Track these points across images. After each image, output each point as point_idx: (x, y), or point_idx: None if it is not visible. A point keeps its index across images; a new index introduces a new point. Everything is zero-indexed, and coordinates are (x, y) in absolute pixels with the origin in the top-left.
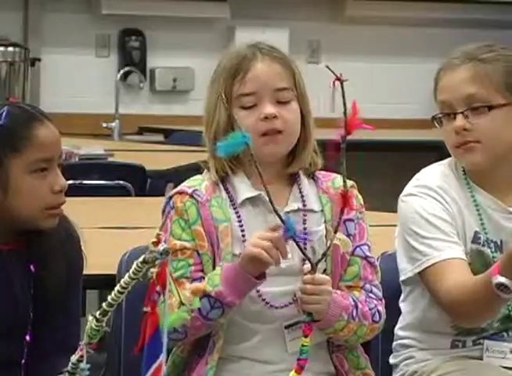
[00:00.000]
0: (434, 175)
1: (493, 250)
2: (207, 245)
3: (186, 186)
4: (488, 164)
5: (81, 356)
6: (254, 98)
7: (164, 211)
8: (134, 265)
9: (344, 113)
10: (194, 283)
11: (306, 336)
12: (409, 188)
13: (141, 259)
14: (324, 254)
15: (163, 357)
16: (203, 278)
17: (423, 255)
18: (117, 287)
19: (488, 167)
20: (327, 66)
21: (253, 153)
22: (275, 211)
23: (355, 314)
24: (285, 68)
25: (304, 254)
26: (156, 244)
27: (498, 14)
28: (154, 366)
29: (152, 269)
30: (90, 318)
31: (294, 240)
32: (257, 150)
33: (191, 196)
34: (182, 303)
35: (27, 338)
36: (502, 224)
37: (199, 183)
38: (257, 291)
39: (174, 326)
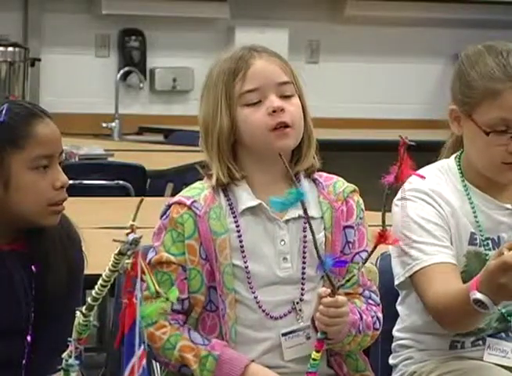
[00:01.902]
0: (427, 178)
1: (491, 247)
2: (197, 260)
3: (185, 196)
4: None
5: (71, 352)
6: (258, 94)
7: (161, 216)
8: (112, 258)
9: (399, 166)
10: (184, 346)
11: (318, 351)
12: (401, 192)
13: (117, 251)
14: (348, 280)
15: (140, 351)
16: (186, 300)
17: (413, 259)
18: (100, 281)
19: None
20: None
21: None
22: (317, 250)
23: (361, 328)
24: (283, 63)
25: (330, 281)
26: (129, 234)
27: (498, 14)
28: (133, 360)
29: (127, 260)
30: (77, 314)
31: (327, 275)
32: (267, 145)
33: (189, 208)
34: (157, 294)
35: (28, 338)
36: (498, 220)
37: (198, 193)
38: (257, 302)
39: (151, 317)
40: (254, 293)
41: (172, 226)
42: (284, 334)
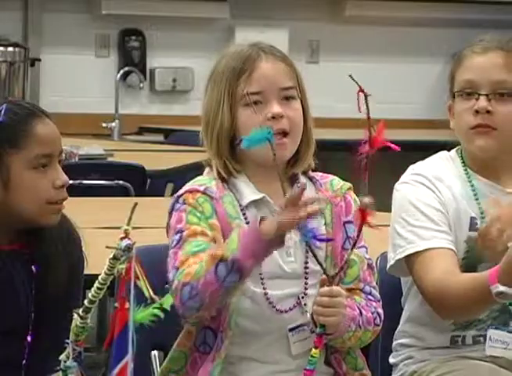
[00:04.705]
0: (429, 165)
1: None
2: (220, 239)
3: (196, 184)
4: (496, 152)
5: (69, 354)
6: (260, 97)
7: (171, 210)
8: (107, 262)
9: (369, 129)
10: (211, 249)
11: (316, 347)
12: (403, 177)
13: (111, 256)
14: (341, 268)
15: (129, 356)
16: None
17: (408, 243)
18: (96, 284)
19: (495, 154)
20: (350, 76)
21: (275, 152)
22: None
23: (361, 323)
24: (288, 67)
25: (320, 265)
26: (123, 239)
27: (498, 14)
28: (120, 364)
29: (122, 266)
30: (75, 316)
31: (310, 249)
32: (265, 153)
33: (203, 193)
34: (152, 300)
35: (28, 338)
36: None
37: (208, 181)
38: (265, 294)
39: (142, 322)
40: (263, 284)
41: (192, 206)
42: (291, 330)
